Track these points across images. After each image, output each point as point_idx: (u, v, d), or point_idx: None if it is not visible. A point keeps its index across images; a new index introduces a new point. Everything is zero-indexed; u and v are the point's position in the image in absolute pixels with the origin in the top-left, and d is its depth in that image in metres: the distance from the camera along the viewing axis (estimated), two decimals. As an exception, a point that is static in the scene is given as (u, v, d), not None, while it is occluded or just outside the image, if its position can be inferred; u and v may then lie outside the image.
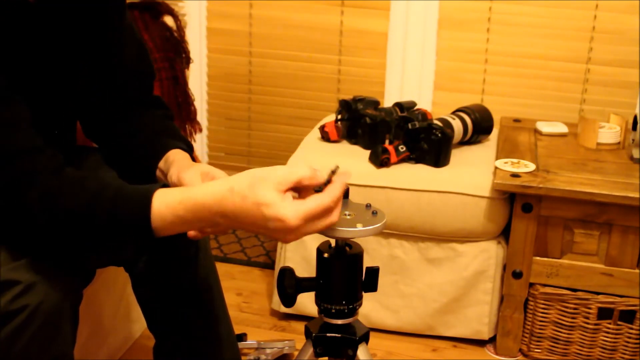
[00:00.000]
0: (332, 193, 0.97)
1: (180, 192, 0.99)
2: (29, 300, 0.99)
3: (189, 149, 1.30)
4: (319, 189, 0.99)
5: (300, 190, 0.99)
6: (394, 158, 1.93)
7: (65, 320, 1.05)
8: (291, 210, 0.94)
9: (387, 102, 2.52)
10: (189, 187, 1.03)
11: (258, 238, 2.56)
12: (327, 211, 0.97)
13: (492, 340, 1.99)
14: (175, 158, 1.23)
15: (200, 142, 2.81)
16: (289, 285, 1.13)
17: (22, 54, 1.10)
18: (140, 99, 1.34)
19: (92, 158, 1.36)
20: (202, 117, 2.77)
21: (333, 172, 1.01)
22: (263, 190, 0.94)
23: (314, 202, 0.95)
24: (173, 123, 1.36)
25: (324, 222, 0.97)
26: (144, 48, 1.35)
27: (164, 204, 0.98)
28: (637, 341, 1.85)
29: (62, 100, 1.24)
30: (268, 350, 1.87)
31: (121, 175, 1.30)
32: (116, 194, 1.00)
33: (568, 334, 1.89)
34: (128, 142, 1.30)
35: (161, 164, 1.25)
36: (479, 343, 2.00)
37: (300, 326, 2.03)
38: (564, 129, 2.17)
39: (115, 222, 0.98)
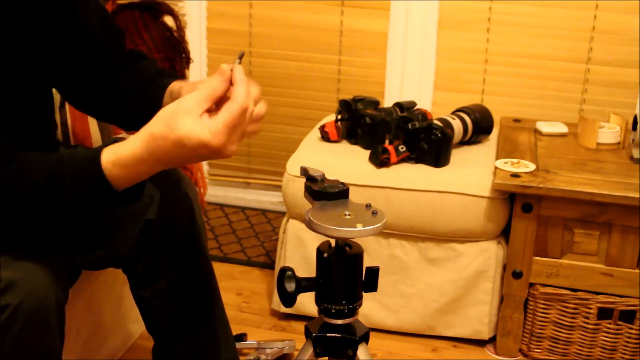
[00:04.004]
0: (236, 96, 0.97)
1: (112, 150, 1.00)
2: (10, 299, 0.99)
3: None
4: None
5: (219, 102, 1.00)
6: (394, 158, 1.93)
7: (51, 318, 1.04)
8: (208, 131, 0.95)
9: (387, 102, 2.52)
10: (120, 144, 1.02)
11: (258, 238, 2.56)
12: (243, 112, 0.97)
13: (492, 340, 1.99)
14: (180, 85, 1.20)
15: (200, 142, 2.81)
16: (289, 285, 1.13)
17: None
18: (119, 57, 1.31)
19: None
20: (202, 117, 2.76)
21: (240, 59, 1.02)
22: (179, 124, 0.95)
23: (227, 113, 0.96)
24: (161, 67, 1.33)
25: (246, 122, 0.99)
26: (104, 10, 1.31)
27: (115, 164, 0.99)
28: (637, 341, 1.85)
29: (41, 79, 1.22)
30: (268, 350, 1.87)
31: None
32: (72, 157, 1.02)
33: (568, 334, 1.89)
34: (126, 100, 1.27)
35: (167, 100, 1.21)
36: (479, 343, 2.00)
37: (300, 326, 2.03)
38: (564, 129, 2.17)
39: (75, 183, 1.00)
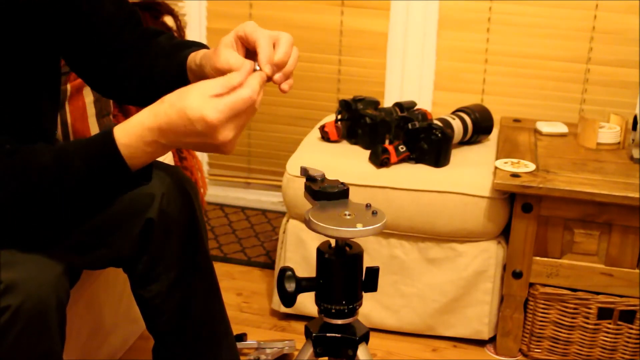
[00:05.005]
0: (250, 85, 1.01)
1: (122, 123, 1.04)
2: (10, 301, 0.99)
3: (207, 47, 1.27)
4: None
5: None
6: (394, 158, 1.93)
7: (52, 319, 1.04)
8: (210, 106, 0.98)
9: (387, 102, 2.52)
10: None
11: (258, 238, 2.56)
12: (249, 101, 1.00)
13: (492, 340, 1.99)
14: (197, 57, 1.18)
15: (200, 142, 2.81)
16: (289, 285, 1.13)
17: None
18: (135, 35, 1.30)
19: None
20: (202, 117, 2.76)
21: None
22: (189, 95, 0.99)
23: (234, 96, 1.00)
24: (179, 39, 1.33)
25: (248, 115, 1.01)
26: None
27: (124, 132, 1.02)
28: (637, 341, 1.85)
29: (43, 74, 1.22)
30: (268, 350, 1.87)
31: None
32: (76, 141, 1.05)
33: (568, 334, 1.89)
34: (148, 77, 1.27)
35: (190, 78, 1.21)
36: (479, 343, 2.00)
37: (300, 326, 2.03)
38: (564, 129, 2.17)
39: (87, 159, 1.02)
